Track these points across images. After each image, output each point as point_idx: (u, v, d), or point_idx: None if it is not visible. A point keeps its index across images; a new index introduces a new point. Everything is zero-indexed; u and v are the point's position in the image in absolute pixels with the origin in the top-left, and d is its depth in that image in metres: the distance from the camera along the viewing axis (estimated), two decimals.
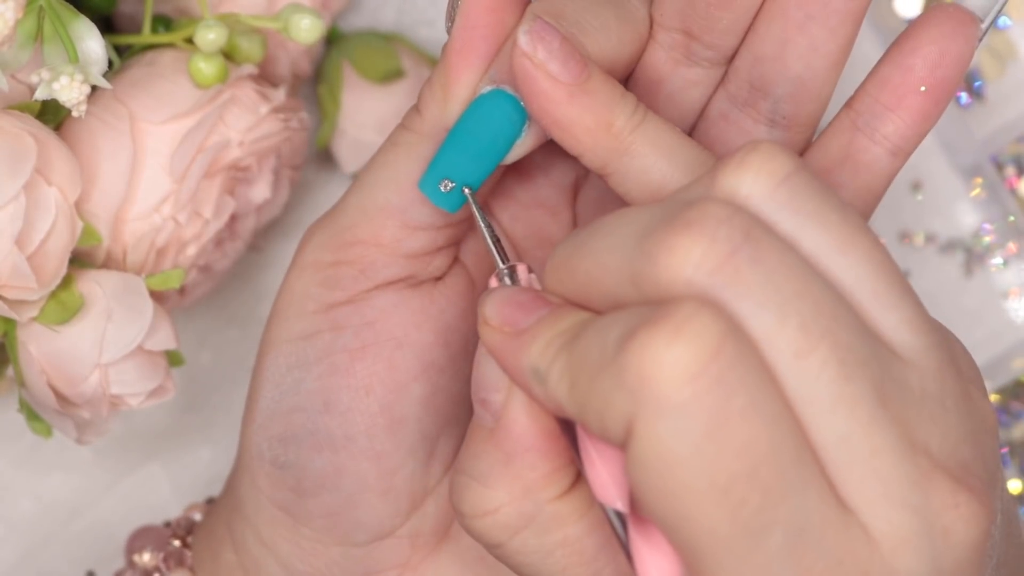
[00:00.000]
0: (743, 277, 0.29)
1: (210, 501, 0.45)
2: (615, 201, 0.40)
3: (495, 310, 0.33)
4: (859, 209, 0.36)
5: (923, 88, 0.35)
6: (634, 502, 0.31)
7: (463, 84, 0.36)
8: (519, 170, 0.38)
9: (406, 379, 0.38)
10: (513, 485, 0.34)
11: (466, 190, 0.36)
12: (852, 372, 0.29)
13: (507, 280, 0.35)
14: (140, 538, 0.44)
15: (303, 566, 0.39)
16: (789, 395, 0.29)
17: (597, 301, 0.31)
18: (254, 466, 0.39)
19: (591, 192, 0.40)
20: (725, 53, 0.37)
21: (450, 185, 0.36)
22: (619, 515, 0.32)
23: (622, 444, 0.29)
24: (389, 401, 0.38)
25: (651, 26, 0.37)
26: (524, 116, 0.35)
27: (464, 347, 0.39)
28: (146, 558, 0.43)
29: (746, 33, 0.36)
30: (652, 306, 0.29)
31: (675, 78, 0.37)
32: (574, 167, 0.40)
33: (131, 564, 0.44)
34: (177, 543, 0.43)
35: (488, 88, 0.35)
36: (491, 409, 0.34)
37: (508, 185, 0.40)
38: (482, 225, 0.36)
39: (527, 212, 0.40)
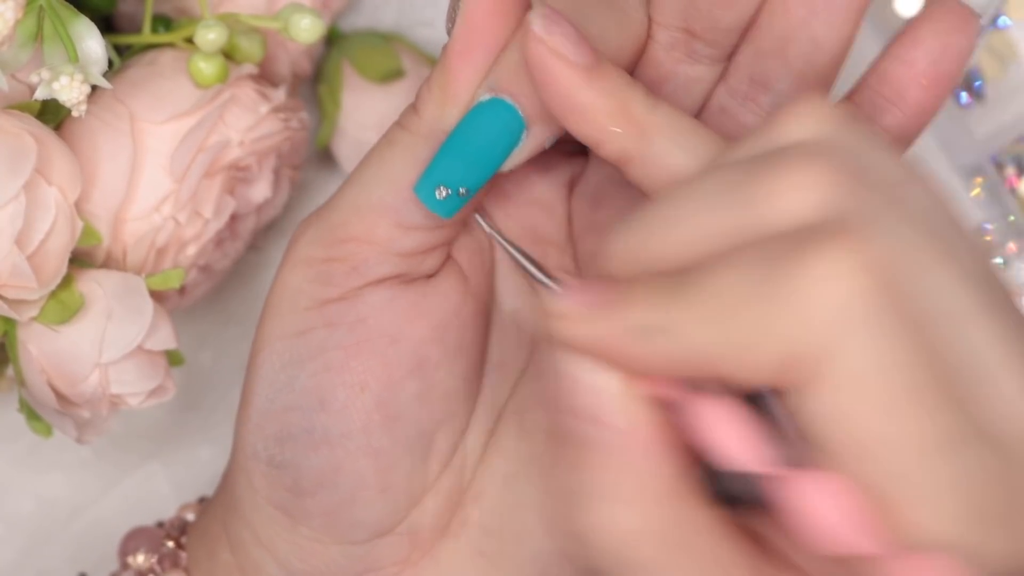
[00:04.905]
0: (875, 198, 0.28)
1: (202, 500, 0.45)
2: (611, 197, 0.40)
3: (568, 302, 0.31)
4: None
5: (924, 82, 0.35)
6: (794, 458, 0.29)
7: (463, 87, 0.36)
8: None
9: (401, 375, 0.38)
10: (652, 499, 0.31)
11: (501, 238, 0.36)
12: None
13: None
14: (133, 539, 0.44)
15: (302, 565, 0.39)
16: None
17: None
18: (250, 466, 0.39)
19: (586, 189, 0.40)
20: (726, 50, 0.37)
21: (445, 192, 0.36)
22: (755, 479, 0.30)
23: (777, 383, 0.28)
24: (385, 398, 0.38)
25: (649, 26, 0.37)
26: (522, 126, 0.35)
27: (459, 343, 0.39)
28: (140, 560, 0.43)
29: (747, 28, 0.36)
30: (802, 233, 0.27)
31: (676, 77, 0.38)
32: (569, 165, 0.40)
33: (125, 566, 0.43)
34: (171, 544, 0.43)
35: (487, 96, 0.35)
36: (608, 428, 0.31)
37: (502, 183, 0.40)
38: (520, 257, 0.35)
39: (521, 210, 0.40)
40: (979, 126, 0.56)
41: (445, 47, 0.36)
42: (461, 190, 0.36)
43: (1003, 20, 0.56)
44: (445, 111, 0.36)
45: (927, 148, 0.56)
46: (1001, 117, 0.56)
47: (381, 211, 0.37)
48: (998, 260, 0.56)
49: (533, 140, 0.35)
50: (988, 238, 0.56)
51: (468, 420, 0.40)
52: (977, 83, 0.56)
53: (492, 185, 0.39)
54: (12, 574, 0.53)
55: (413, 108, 0.37)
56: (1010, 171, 0.56)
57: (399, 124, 0.38)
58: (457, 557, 0.40)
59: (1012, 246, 0.56)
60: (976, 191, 0.56)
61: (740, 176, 0.29)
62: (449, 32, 0.36)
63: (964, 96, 0.56)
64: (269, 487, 0.39)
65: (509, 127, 0.35)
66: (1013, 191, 0.56)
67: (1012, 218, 0.55)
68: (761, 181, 0.28)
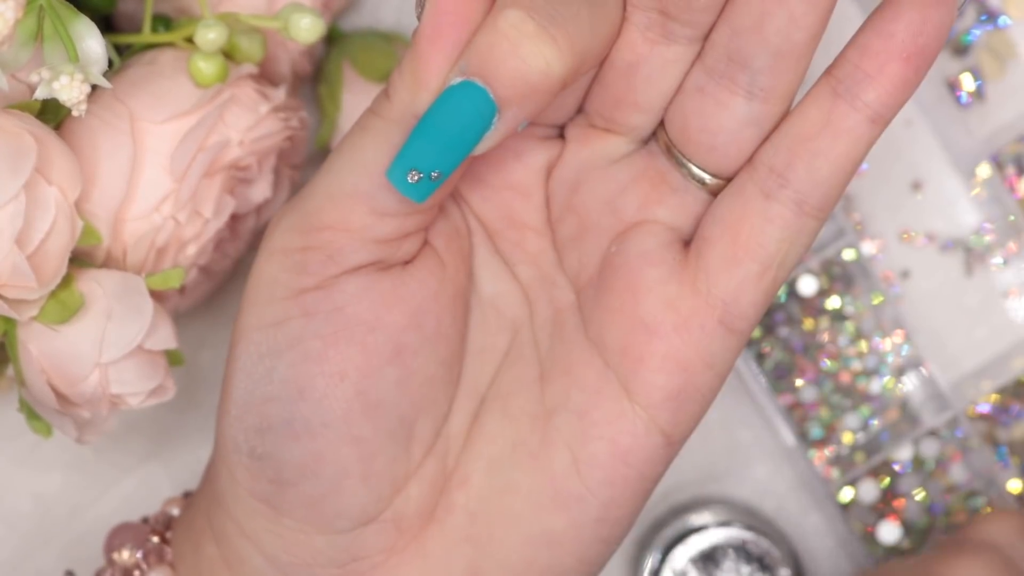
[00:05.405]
0: None
1: (187, 495, 0.45)
2: (590, 181, 0.39)
3: None
4: (838, 177, 0.36)
5: (904, 55, 0.35)
6: None
7: (433, 72, 0.35)
8: (489, 152, 0.38)
9: (380, 363, 0.38)
10: None
11: None
12: None
13: None
14: (119, 535, 0.43)
15: (287, 557, 0.39)
16: None
17: None
18: (231, 459, 0.39)
19: (565, 174, 0.40)
20: (703, 29, 0.37)
21: (417, 176, 0.35)
22: None
23: None
24: (364, 386, 0.38)
25: (624, 8, 0.37)
26: (494, 108, 0.35)
27: (437, 329, 0.39)
28: (125, 556, 0.43)
29: (723, 7, 0.36)
30: None
31: (653, 58, 0.37)
32: (546, 149, 0.40)
33: (111, 562, 0.43)
34: (156, 539, 0.43)
35: (458, 79, 0.35)
36: None
37: (478, 167, 0.40)
38: None
39: (498, 194, 0.40)
40: (979, 126, 0.56)
41: (415, 32, 0.36)
42: (433, 174, 0.35)
43: (1003, 20, 0.56)
44: (416, 96, 0.36)
45: (927, 148, 0.56)
46: (1001, 117, 0.56)
47: (355, 198, 0.37)
48: (998, 260, 0.56)
49: (505, 123, 0.35)
50: (988, 238, 0.56)
51: (450, 406, 0.40)
52: (977, 83, 0.56)
53: (467, 170, 0.39)
54: (11, 574, 0.53)
55: (385, 94, 0.37)
56: (1010, 171, 0.56)
57: (371, 111, 0.37)
58: (443, 543, 0.39)
59: (1012, 246, 0.56)
60: (976, 191, 0.56)
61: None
62: (419, 17, 0.36)
63: (964, 96, 0.56)
64: (251, 479, 0.39)
65: (480, 110, 0.35)
66: (1013, 191, 0.56)
67: (1012, 218, 0.55)
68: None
